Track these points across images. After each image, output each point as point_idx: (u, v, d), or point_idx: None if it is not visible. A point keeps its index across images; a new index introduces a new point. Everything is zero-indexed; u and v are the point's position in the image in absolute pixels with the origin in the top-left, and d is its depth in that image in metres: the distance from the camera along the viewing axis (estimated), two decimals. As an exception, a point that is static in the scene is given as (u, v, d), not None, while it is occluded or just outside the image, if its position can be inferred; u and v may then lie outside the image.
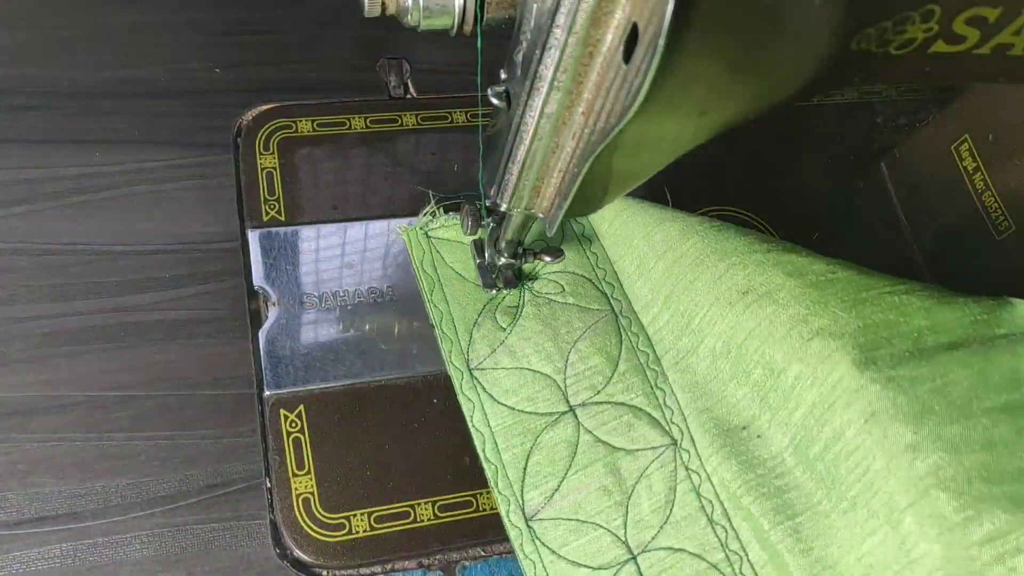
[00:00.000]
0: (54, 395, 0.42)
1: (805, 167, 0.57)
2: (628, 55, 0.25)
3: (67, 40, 0.51)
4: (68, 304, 0.44)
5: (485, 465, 0.42)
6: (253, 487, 0.42)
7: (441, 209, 0.47)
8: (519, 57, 0.32)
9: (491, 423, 0.43)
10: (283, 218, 0.48)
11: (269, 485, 0.42)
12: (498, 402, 0.43)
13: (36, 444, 0.41)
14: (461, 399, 0.44)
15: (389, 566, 0.41)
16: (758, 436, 0.41)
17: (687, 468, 0.42)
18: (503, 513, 0.41)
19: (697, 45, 0.23)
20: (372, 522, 0.41)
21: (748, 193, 0.55)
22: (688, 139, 0.31)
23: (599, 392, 0.44)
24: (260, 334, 0.45)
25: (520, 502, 0.41)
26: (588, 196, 0.34)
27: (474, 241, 0.46)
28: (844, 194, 0.57)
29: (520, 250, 0.44)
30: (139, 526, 0.40)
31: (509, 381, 0.44)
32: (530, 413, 0.43)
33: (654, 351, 0.45)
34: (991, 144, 0.50)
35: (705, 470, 0.42)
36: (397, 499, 0.42)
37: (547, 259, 0.45)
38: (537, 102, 0.32)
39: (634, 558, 0.40)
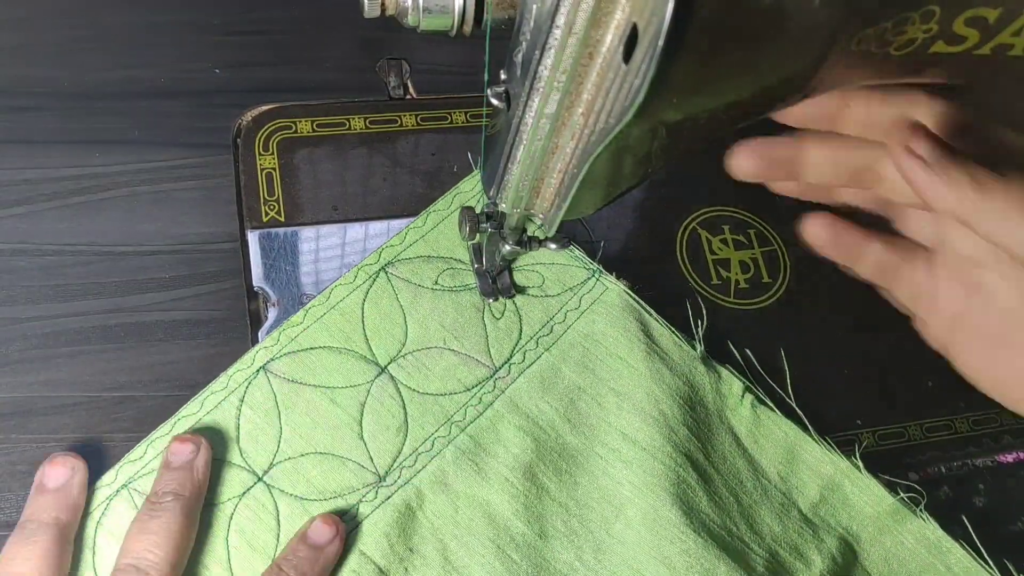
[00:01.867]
0: (54, 395, 0.42)
1: (805, 167, 0.57)
2: (628, 55, 0.25)
3: (67, 40, 0.51)
4: (68, 304, 0.44)
5: (300, 312, 0.44)
6: (253, 487, 0.42)
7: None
8: (519, 58, 0.32)
9: (341, 304, 0.44)
10: (283, 219, 0.48)
11: (269, 485, 0.42)
12: (363, 303, 0.44)
13: (36, 444, 0.41)
14: (351, 270, 0.45)
15: (389, 566, 0.41)
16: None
17: (361, 504, 0.40)
18: (260, 344, 0.43)
19: (697, 46, 0.23)
20: (372, 522, 0.41)
21: (747, 193, 0.55)
22: (688, 140, 0.31)
23: (408, 389, 0.43)
24: (260, 334, 0.45)
25: (277, 353, 0.43)
26: (588, 196, 0.34)
27: (472, 246, 0.46)
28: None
29: (525, 237, 0.43)
30: (139, 526, 0.40)
31: (386, 305, 0.44)
32: (364, 335, 0.44)
33: (466, 425, 0.43)
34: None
35: (373, 518, 0.40)
36: (397, 499, 0.42)
37: (552, 247, 0.44)
38: (537, 102, 0.32)
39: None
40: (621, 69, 0.26)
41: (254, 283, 0.46)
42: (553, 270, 0.47)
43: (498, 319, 0.45)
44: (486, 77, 0.34)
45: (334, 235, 0.48)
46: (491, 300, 0.45)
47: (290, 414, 0.41)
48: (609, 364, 0.45)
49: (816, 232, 0.42)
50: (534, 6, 0.30)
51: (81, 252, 0.46)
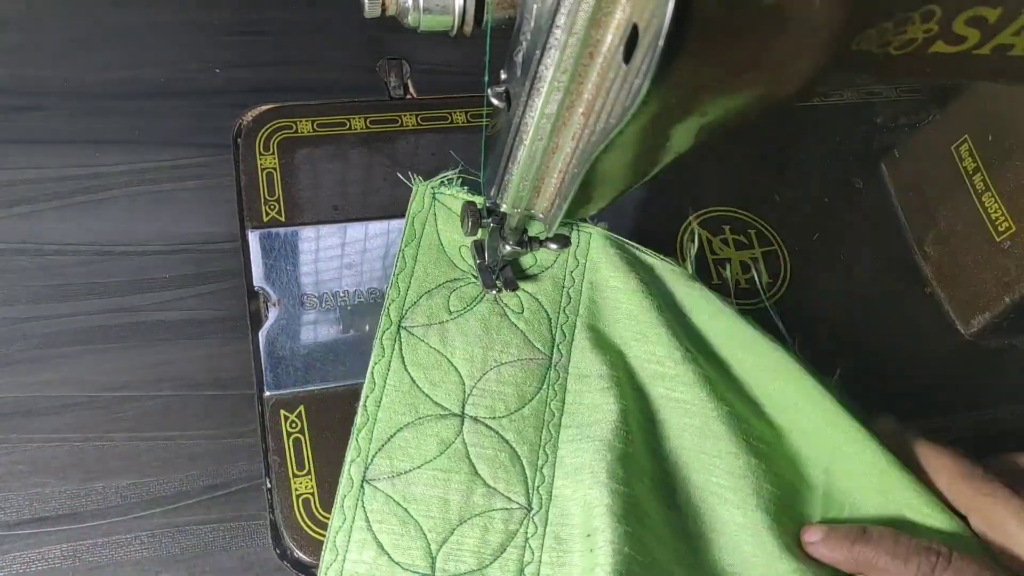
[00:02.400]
0: (54, 395, 0.42)
1: (805, 167, 0.57)
2: (628, 56, 0.25)
3: (67, 40, 0.51)
4: (68, 304, 0.44)
5: (359, 412, 0.41)
6: (253, 487, 0.42)
7: (460, 180, 0.47)
8: (519, 57, 0.32)
9: (388, 380, 0.43)
10: (283, 218, 0.48)
11: (269, 485, 0.42)
12: (406, 368, 0.43)
13: (36, 444, 0.41)
14: (375, 345, 0.43)
15: (389, 566, 0.41)
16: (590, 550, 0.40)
17: (527, 542, 0.41)
18: (348, 460, 0.41)
19: (697, 46, 0.23)
20: (372, 522, 0.41)
21: (748, 194, 0.55)
22: (688, 139, 0.31)
23: (494, 419, 0.43)
24: (260, 334, 0.45)
25: (367, 460, 0.41)
26: (588, 196, 0.34)
27: (474, 242, 0.46)
28: (844, 194, 0.57)
29: (525, 238, 0.43)
30: (139, 526, 0.40)
31: (426, 358, 0.43)
32: (426, 395, 0.43)
33: (559, 417, 0.44)
34: (991, 145, 0.50)
35: (540, 556, 0.41)
36: (397, 499, 0.42)
37: (553, 246, 0.45)
38: (537, 102, 0.32)
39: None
40: (621, 69, 0.26)
41: (254, 283, 0.46)
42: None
43: (522, 312, 0.46)
44: (486, 77, 0.34)
45: (334, 235, 0.48)
46: (494, 292, 0.45)
47: (416, 507, 0.40)
48: (626, 302, 0.46)
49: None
50: (534, 6, 0.30)
51: (82, 252, 0.46)
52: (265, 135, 0.50)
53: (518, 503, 0.41)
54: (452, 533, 0.40)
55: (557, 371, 0.44)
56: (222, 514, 0.41)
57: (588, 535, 0.40)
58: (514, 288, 0.46)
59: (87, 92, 0.50)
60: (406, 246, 0.46)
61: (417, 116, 0.52)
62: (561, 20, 0.28)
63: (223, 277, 0.46)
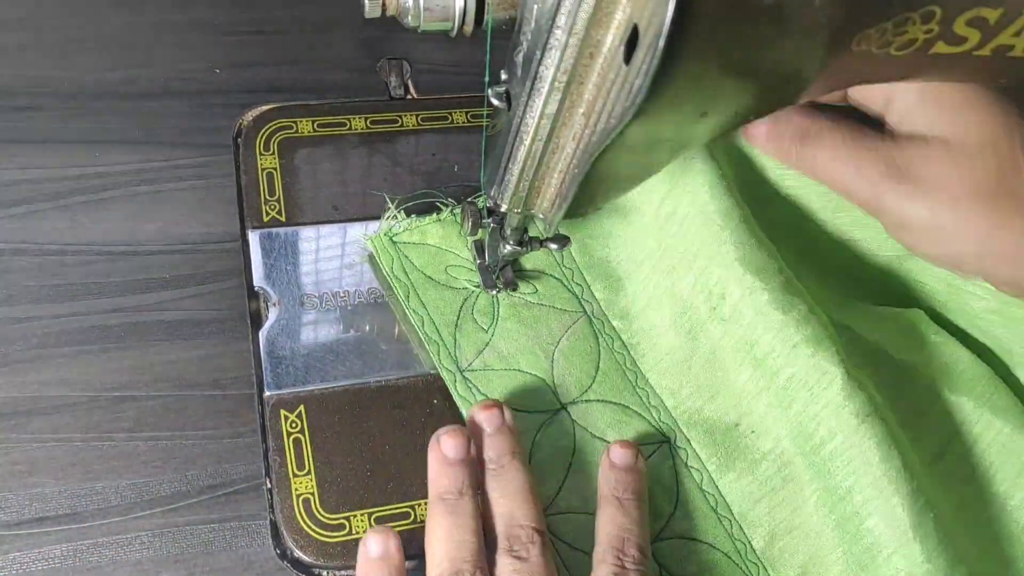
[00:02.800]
0: (54, 395, 0.42)
1: (805, 167, 0.57)
2: (629, 56, 0.25)
3: (67, 40, 0.51)
4: (68, 304, 0.44)
5: None
6: (253, 487, 0.42)
7: (402, 212, 0.47)
8: (519, 58, 0.32)
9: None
10: (283, 218, 0.48)
11: (269, 485, 0.42)
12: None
13: (36, 444, 0.41)
14: (458, 400, 0.44)
15: (389, 566, 0.41)
16: (752, 432, 0.42)
17: (686, 465, 0.43)
18: None
19: (697, 46, 0.23)
20: (372, 522, 0.41)
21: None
22: (689, 140, 0.31)
23: (587, 391, 0.44)
24: (260, 334, 0.45)
25: None
26: (588, 197, 0.34)
27: (475, 242, 0.46)
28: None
29: (526, 237, 0.43)
30: (139, 526, 0.40)
31: (501, 382, 0.44)
32: (526, 412, 0.43)
33: (629, 353, 0.45)
34: (991, 145, 0.50)
35: (707, 468, 0.42)
36: (397, 499, 0.42)
37: (553, 246, 0.45)
38: (537, 103, 0.32)
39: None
40: (622, 69, 0.26)
41: (255, 283, 0.46)
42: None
43: (537, 291, 0.47)
44: (486, 77, 0.34)
45: (334, 235, 0.48)
46: (493, 292, 0.45)
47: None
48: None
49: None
50: (535, 6, 0.30)
51: (81, 252, 0.46)
52: (265, 135, 0.50)
53: (655, 440, 0.44)
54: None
55: (598, 319, 0.46)
56: (222, 514, 0.41)
57: (737, 424, 0.42)
58: (514, 288, 0.46)
59: (87, 92, 0.50)
60: (408, 300, 0.46)
61: (417, 116, 0.52)
62: (561, 20, 0.28)
63: (223, 277, 0.46)
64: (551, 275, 0.47)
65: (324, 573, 0.40)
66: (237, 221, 0.48)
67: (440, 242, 0.47)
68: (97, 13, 0.53)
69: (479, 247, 0.46)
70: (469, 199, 0.47)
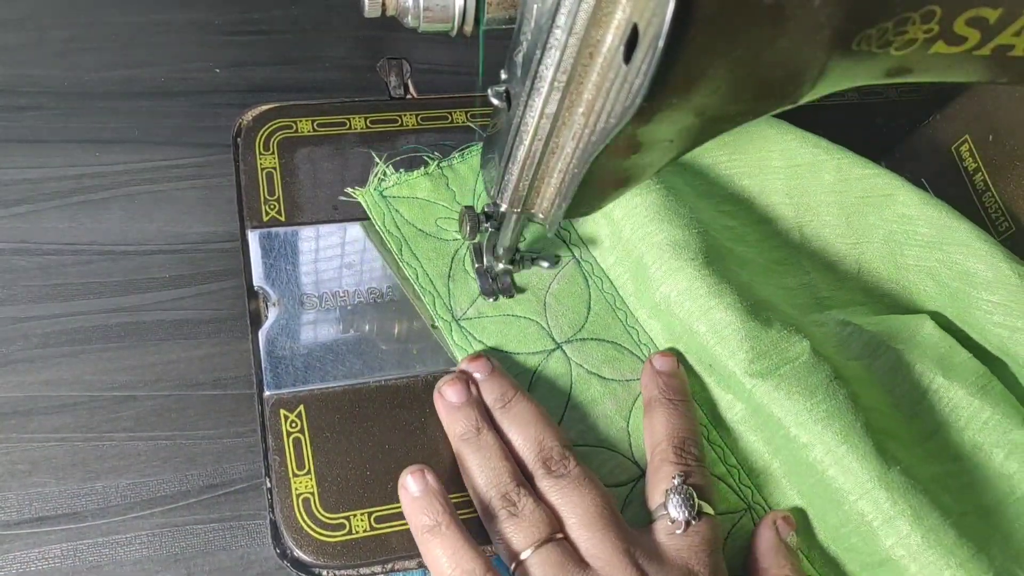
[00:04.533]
0: (54, 395, 0.42)
1: (805, 167, 0.57)
2: (628, 56, 0.25)
3: (67, 40, 0.51)
4: (68, 304, 0.44)
5: None
6: (253, 487, 0.42)
7: (391, 167, 0.48)
8: (519, 57, 0.32)
9: None
10: (283, 218, 0.48)
11: (269, 485, 0.42)
12: (489, 347, 0.45)
13: (36, 444, 0.41)
14: (454, 349, 0.45)
15: (389, 566, 0.41)
16: (722, 381, 0.44)
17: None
18: None
19: (697, 46, 0.23)
20: (372, 522, 0.41)
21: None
22: (688, 140, 0.31)
23: (581, 329, 0.46)
24: (260, 334, 0.45)
25: None
26: (588, 196, 0.34)
27: (472, 246, 0.46)
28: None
29: (517, 256, 0.44)
30: (139, 526, 0.40)
31: (496, 328, 0.45)
32: (522, 353, 0.45)
33: (619, 294, 0.47)
34: (991, 145, 0.50)
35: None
36: (397, 499, 0.42)
37: (544, 264, 0.45)
38: (537, 102, 0.32)
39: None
40: (622, 69, 0.26)
41: (254, 282, 0.46)
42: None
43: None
44: (480, 77, 0.34)
45: (334, 235, 0.48)
46: (492, 300, 0.45)
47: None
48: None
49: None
50: (535, 6, 0.30)
51: (81, 252, 0.46)
52: (265, 135, 0.50)
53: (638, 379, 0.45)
54: (629, 435, 0.44)
55: (586, 261, 0.48)
56: (222, 514, 0.41)
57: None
58: (511, 295, 0.46)
59: (87, 92, 0.50)
60: (401, 252, 0.46)
61: (417, 116, 0.52)
62: (561, 20, 0.28)
63: (223, 277, 0.46)
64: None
65: (324, 573, 0.40)
66: (237, 221, 0.48)
67: (429, 195, 0.48)
68: (97, 13, 0.53)
69: (476, 251, 0.46)
70: (467, 205, 0.47)
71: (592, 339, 0.45)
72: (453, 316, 0.45)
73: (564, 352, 0.45)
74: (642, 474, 0.42)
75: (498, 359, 0.44)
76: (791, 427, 0.40)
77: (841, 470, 0.39)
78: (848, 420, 0.40)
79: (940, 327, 0.46)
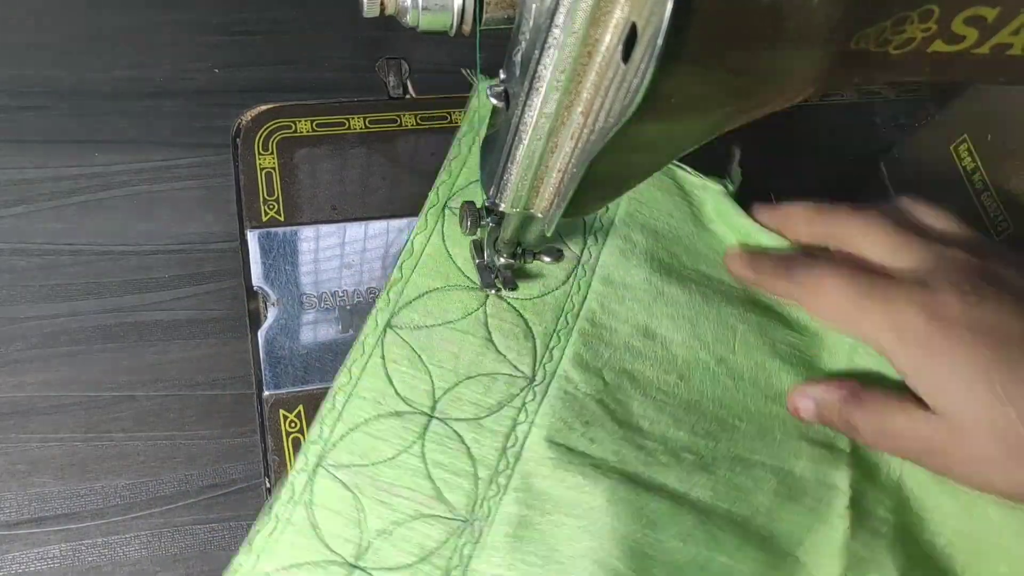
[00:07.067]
0: (54, 395, 0.42)
1: (805, 167, 0.57)
2: (627, 55, 0.25)
3: (67, 40, 0.51)
4: (68, 304, 0.44)
5: (395, 271, 0.46)
6: (253, 487, 0.42)
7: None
8: (518, 57, 0.32)
9: (425, 249, 0.47)
10: (282, 218, 0.48)
11: (269, 485, 0.42)
12: (443, 239, 0.47)
13: (36, 444, 0.41)
14: (427, 217, 0.47)
15: (388, 566, 0.41)
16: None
17: (524, 406, 0.44)
18: (376, 309, 0.45)
19: (696, 45, 0.23)
20: (371, 522, 0.41)
21: (745, 194, 0.55)
22: (687, 139, 0.31)
23: (518, 300, 0.46)
24: (259, 334, 0.45)
25: (394, 311, 0.45)
26: (587, 196, 0.34)
27: (473, 241, 0.46)
28: (844, 194, 0.57)
29: (519, 250, 0.44)
30: (138, 526, 0.40)
31: (459, 232, 0.46)
32: (458, 268, 0.46)
33: (579, 310, 0.46)
34: (990, 144, 0.50)
35: (534, 420, 0.43)
36: (396, 499, 0.42)
37: (547, 259, 0.45)
38: (536, 102, 0.32)
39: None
40: (620, 68, 0.26)
41: (254, 283, 0.46)
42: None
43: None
44: (477, 78, 0.34)
45: (334, 235, 0.48)
46: (492, 292, 0.45)
47: (431, 355, 0.44)
48: (664, 221, 0.49)
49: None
50: (533, 5, 0.30)
51: (81, 252, 0.46)
52: (264, 135, 0.50)
53: (523, 373, 0.44)
54: (457, 385, 0.43)
55: (584, 269, 0.47)
56: (221, 514, 0.41)
57: (587, 423, 0.43)
58: (513, 287, 0.46)
59: (87, 92, 0.50)
60: (464, 136, 0.48)
61: (416, 116, 0.52)
62: (560, 19, 0.28)
63: (222, 277, 0.46)
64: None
65: (323, 573, 0.40)
66: (236, 221, 0.48)
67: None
68: (97, 13, 0.53)
69: (477, 246, 0.46)
70: (467, 200, 0.47)
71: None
72: (442, 204, 0.48)
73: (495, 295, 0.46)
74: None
75: (437, 260, 0.46)
76: None
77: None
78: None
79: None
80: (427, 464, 0.42)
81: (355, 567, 0.39)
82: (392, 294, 0.45)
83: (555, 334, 0.45)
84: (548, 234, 0.41)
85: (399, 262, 0.46)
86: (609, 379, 0.44)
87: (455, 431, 0.42)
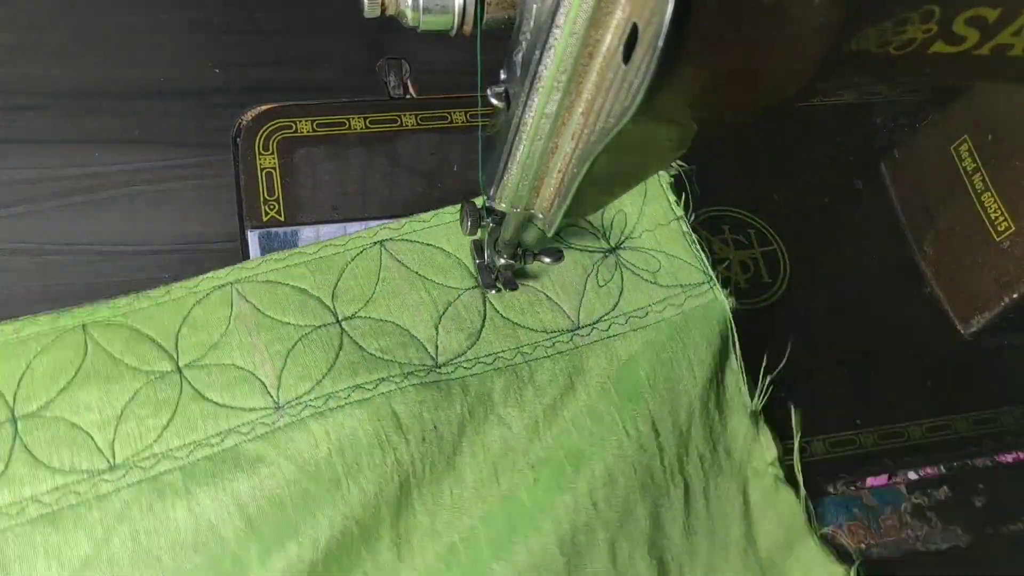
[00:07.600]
0: (54, 395, 0.42)
1: (805, 167, 0.57)
2: (628, 55, 0.25)
3: (67, 40, 0.51)
4: (68, 304, 0.44)
5: None
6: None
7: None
8: (519, 57, 0.32)
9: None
10: (283, 218, 0.48)
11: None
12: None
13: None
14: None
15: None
16: None
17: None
18: None
19: (696, 46, 0.23)
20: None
21: (747, 194, 0.55)
22: (687, 139, 0.31)
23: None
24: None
25: None
26: (587, 196, 0.34)
27: (473, 241, 0.46)
28: (844, 194, 0.57)
29: (519, 250, 0.44)
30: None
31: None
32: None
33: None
34: (990, 144, 0.50)
35: None
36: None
37: (547, 260, 0.45)
38: (536, 102, 0.32)
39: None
40: (621, 69, 0.26)
41: (254, 283, 0.46)
42: (674, 263, 0.48)
43: (601, 286, 0.47)
44: (479, 77, 0.34)
45: (334, 235, 0.48)
46: (493, 292, 0.45)
47: (385, 285, 0.45)
48: (683, 374, 0.45)
49: None
50: (534, 6, 0.30)
51: (81, 252, 0.46)
52: (265, 135, 0.50)
53: (433, 357, 0.44)
54: (380, 321, 0.44)
55: (572, 339, 0.45)
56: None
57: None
58: (513, 287, 0.46)
59: (87, 92, 0.50)
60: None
61: (417, 116, 0.52)
62: (560, 20, 0.28)
63: (223, 277, 0.46)
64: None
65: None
66: (236, 221, 0.48)
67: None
68: (97, 13, 0.53)
69: (477, 246, 0.46)
70: (468, 199, 0.47)
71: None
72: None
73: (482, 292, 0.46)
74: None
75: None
76: None
77: None
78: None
79: None
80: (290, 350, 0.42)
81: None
82: (409, 225, 0.47)
83: (495, 355, 0.44)
84: (549, 234, 0.41)
85: (430, 213, 0.47)
86: (489, 421, 0.43)
87: (341, 344, 0.43)
